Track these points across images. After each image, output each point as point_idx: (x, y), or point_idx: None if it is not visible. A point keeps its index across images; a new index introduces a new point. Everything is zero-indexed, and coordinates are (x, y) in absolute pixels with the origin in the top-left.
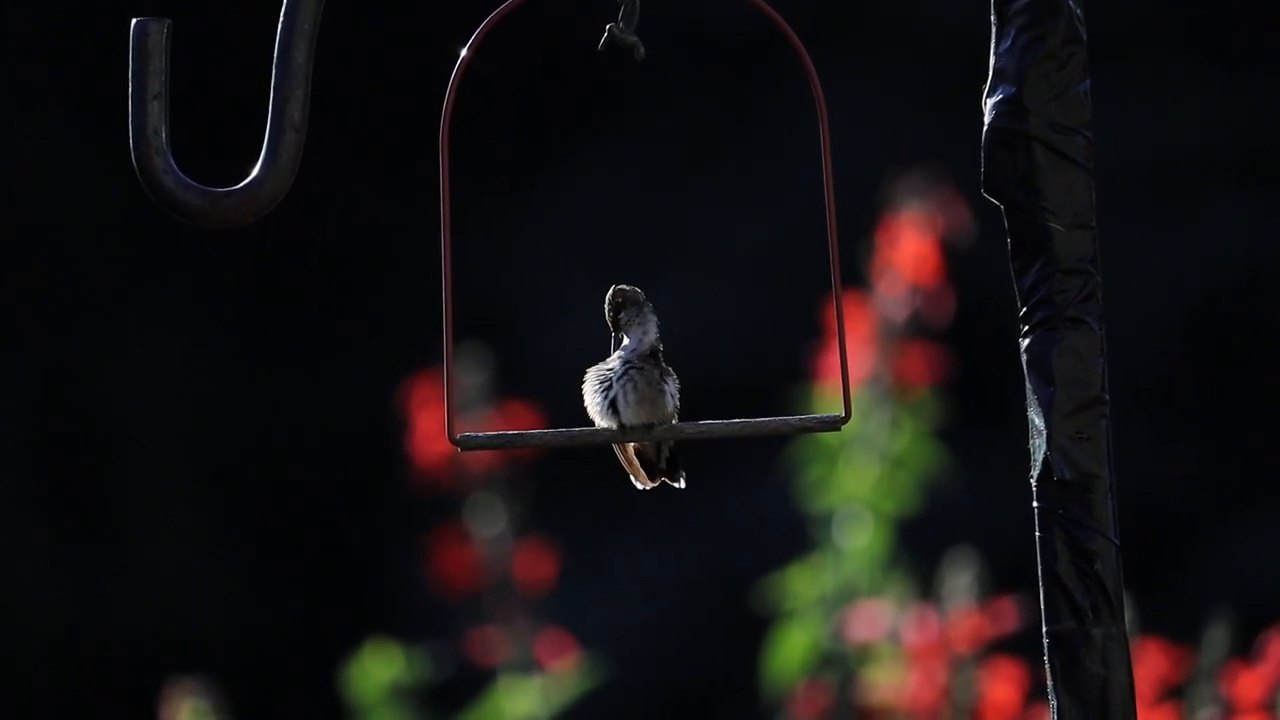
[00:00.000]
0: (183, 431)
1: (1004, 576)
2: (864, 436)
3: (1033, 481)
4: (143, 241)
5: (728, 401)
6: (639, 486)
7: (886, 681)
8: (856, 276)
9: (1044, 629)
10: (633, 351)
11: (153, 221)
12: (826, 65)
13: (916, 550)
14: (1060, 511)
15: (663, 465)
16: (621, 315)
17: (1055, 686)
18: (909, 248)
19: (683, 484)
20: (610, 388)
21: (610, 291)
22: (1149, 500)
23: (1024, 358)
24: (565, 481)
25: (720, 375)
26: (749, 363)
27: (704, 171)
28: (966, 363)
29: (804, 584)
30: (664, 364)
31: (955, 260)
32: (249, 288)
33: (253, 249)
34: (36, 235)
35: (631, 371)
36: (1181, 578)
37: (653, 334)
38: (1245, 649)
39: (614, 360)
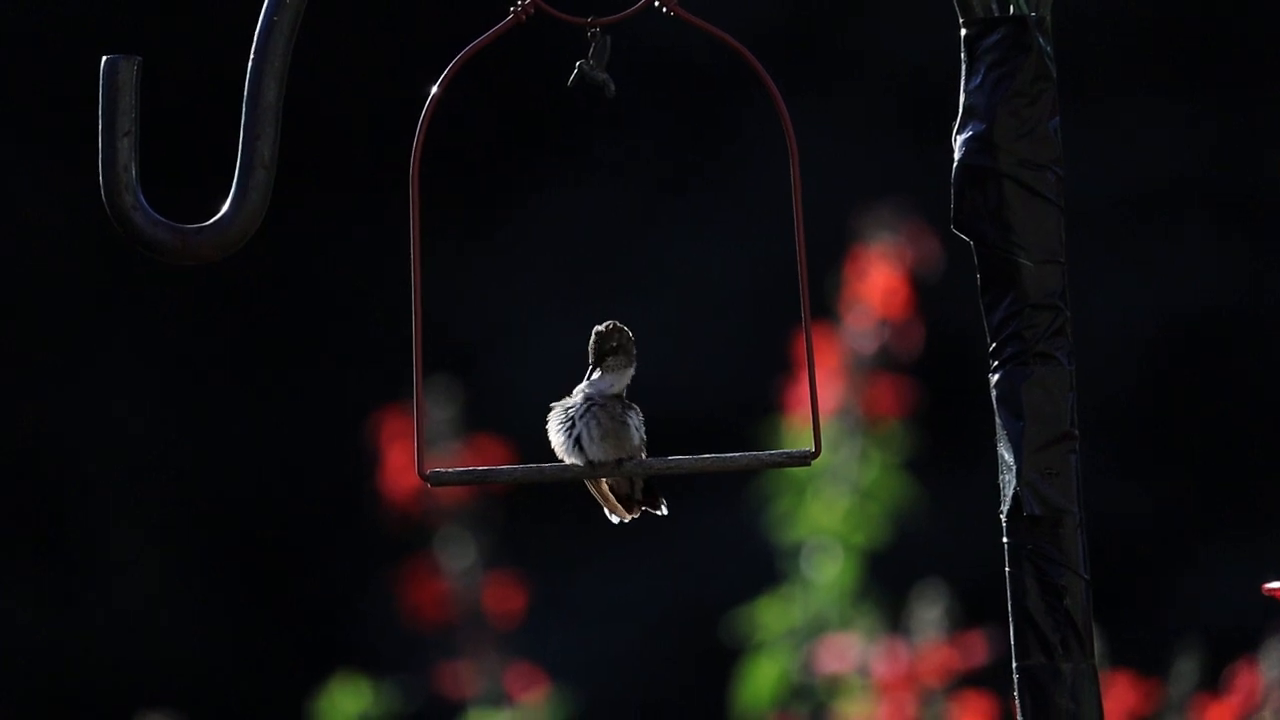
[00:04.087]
0: (151, 464)
1: (973, 608)
2: (833, 468)
3: (1002, 517)
4: (110, 277)
5: (698, 433)
6: (614, 520)
7: (856, 714)
8: (826, 309)
9: (1014, 664)
10: (598, 392)
11: (119, 255)
12: (797, 99)
13: (886, 582)
14: (1030, 547)
15: (638, 496)
16: (609, 359)
17: None
18: (878, 280)
19: (665, 510)
20: (573, 426)
21: (607, 326)
22: (1117, 532)
23: (993, 393)
24: (534, 514)
25: (690, 406)
26: (719, 394)
27: (674, 205)
28: (935, 395)
29: (773, 616)
30: (625, 399)
31: (924, 292)
32: (218, 321)
33: (222, 282)
34: (4, 267)
35: (593, 408)
36: (1149, 609)
37: (624, 384)
38: (1213, 680)
39: (577, 396)
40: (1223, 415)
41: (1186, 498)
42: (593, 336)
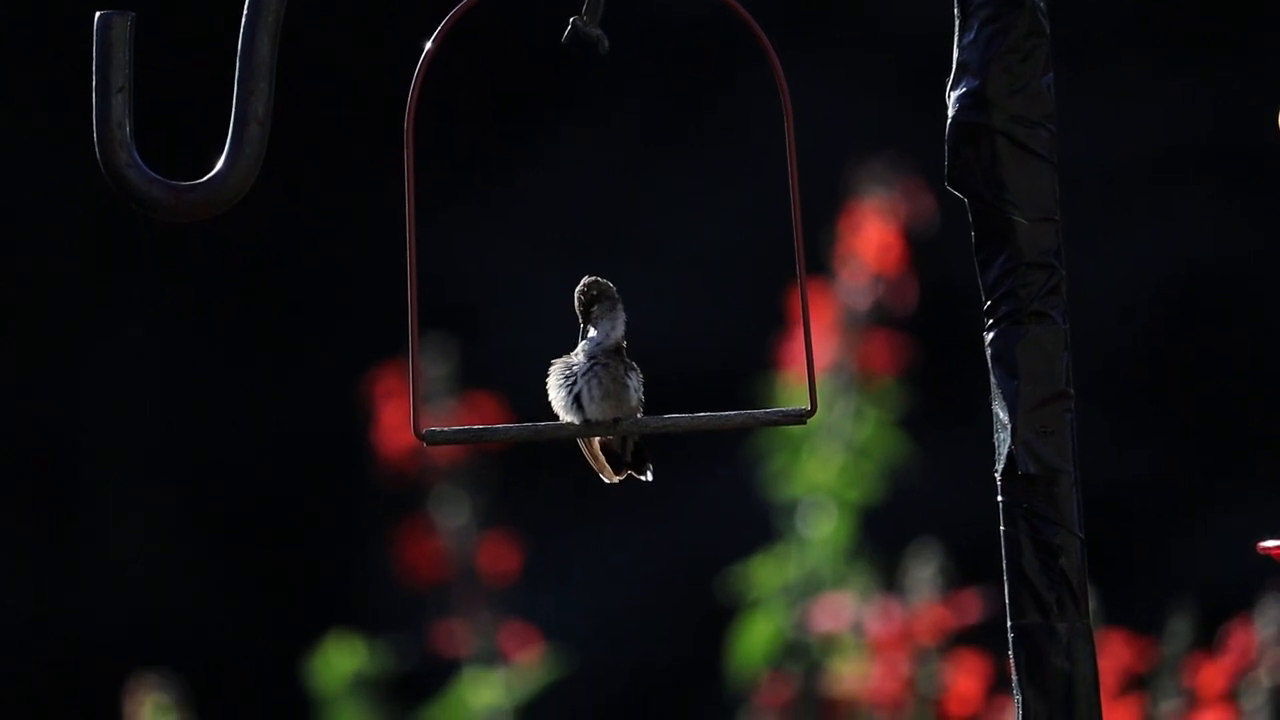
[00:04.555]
0: (145, 425)
1: (968, 566)
2: (828, 426)
3: (997, 475)
4: (106, 238)
5: (693, 392)
6: (605, 480)
7: (850, 673)
8: (820, 265)
9: (1009, 623)
10: (598, 345)
11: (116, 217)
12: (790, 54)
13: (880, 540)
14: (1025, 506)
15: (628, 459)
16: (594, 308)
17: (1020, 681)
18: (872, 236)
19: (650, 477)
20: (575, 383)
21: (584, 282)
22: (1112, 493)
23: (988, 351)
24: (529, 473)
25: (685, 364)
26: (714, 352)
27: (668, 163)
28: (930, 351)
29: (768, 574)
30: (628, 359)
31: (919, 248)
32: (211, 280)
33: (215, 243)
34: (4, 248)
35: (596, 367)
36: (1144, 568)
37: (620, 330)
38: (1208, 640)
39: (579, 354)
40: (1219, 376)
41: (1182, 457)
42: (575, 297)
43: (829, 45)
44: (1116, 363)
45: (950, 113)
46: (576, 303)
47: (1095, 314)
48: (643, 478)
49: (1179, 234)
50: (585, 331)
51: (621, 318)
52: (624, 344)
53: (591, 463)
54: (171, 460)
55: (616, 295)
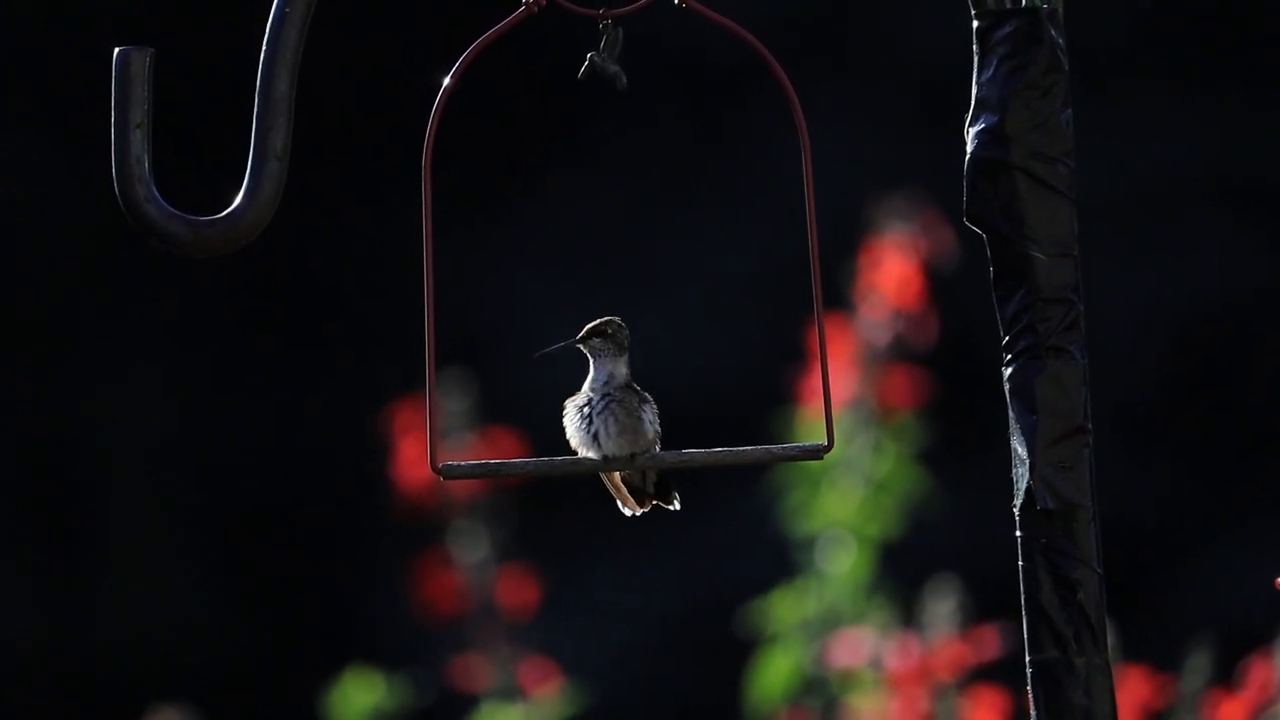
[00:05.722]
0: (165, 456)
1: (986, 601)
2: (847, 460)
3: (1016, 510)
4: (124, 267)
5: (711, 426)
6: (627, 513)
7: (868, 708)
8: (839, 299)
9: (1027, 659)
10: (605, 385)
11: (134, 248)
12: (808, 89)
13: (899, 575)
14: (1043, 541)
15: (650, 490)
16: (594, 341)
17: (1039, 717)
18: (892, 271)
19: (677, 506)
20: (591, 420)
21: (597, 322)
22: (1129, 526)
23: (1007, 386)
24: (548, 507)
25: (704, 398)
26: (733, 385)
27: (687, 196)
28: (949, 386)
29: (787, 609)
30: (641, 391)
31: (938, 283)
32: (230, 314)
33: (234, 274)
34: (17, 263)
35: (611, 404)
36: (1163, 603)
37: (622, 371)
38: (1227, 675)
39: (594, 392)
40: (1235, 408)
41: (1200, 491)
42: (583, 337)
43: (847, 79)
44: (1132, 395)
45: (969, 148)
46: (584, 340)
47: (1110, 346)
48: (670, 507)
49: (1194, 264)
50: (594, 366)
51: (623, 360)
52: (634, 385)
53: (614, 494)
54: (190, 492)
55: (623, 338)
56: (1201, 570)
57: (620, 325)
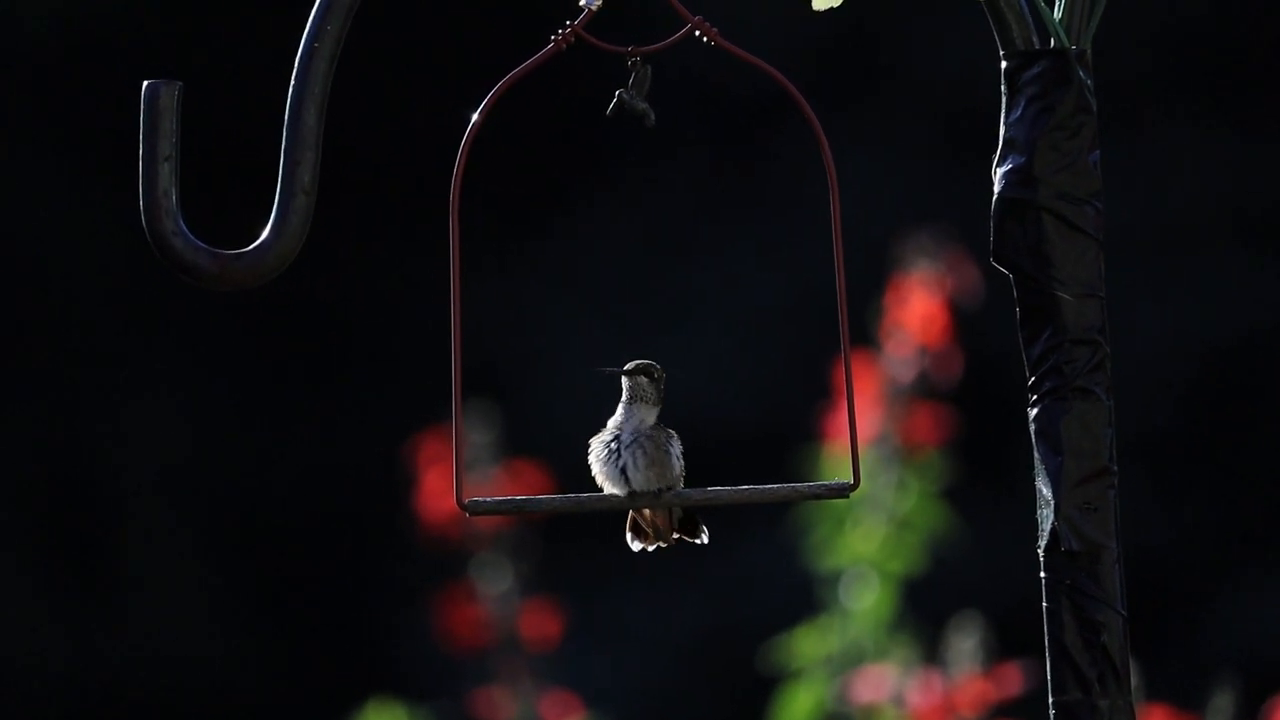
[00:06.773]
0: (188, 482)
1: (1009, 639)
2: (871, 497)
3: (1040, 552)
4: (147, 296)
5: (737, 461)
6: (636, 548)
7: None
8: (865, 336)
9: (1050, 699)
10: (635, 429)
11: (157, 276)
12: (836, 125)
13: (922, 612)
14: (1068, 582)
15: (675, 525)
16: (643, 382)
17: None
18: (918, 308)
19: (705, 539)
20: (619, 455)
21: (647, 363)
22: (1154, 560)
23: (1032, 427)
24: (571, 540)
25: (729, 433)
26: (758, 421)
27: (714, 230)
28: (974, 423)
29: (810, 644)
30: (667, 428)
31: (964, 321)
32: (255, 344)
33: (259, 305)
34: (39, 291)
35: (640, 439)
36: (1186, 642)
37: (651, 421)
38: (1251, 715)
39: (620, 430)
40: (1259, 443)
41: (1224, 529)
42: (626, 373)
43: (873, 112)
44: (1155, 429)
45: (996, 188)
46: (627, 377)
47: (1133, 379)
48: (697, 541)
49: (1216, 300)
50: (620, 409)
51: (657, 411)
52: (659, 424)
53: (645, 527)
54: (211, 520)
55: (662, 386)
56: (1226, 608)
57: (663, 374)
